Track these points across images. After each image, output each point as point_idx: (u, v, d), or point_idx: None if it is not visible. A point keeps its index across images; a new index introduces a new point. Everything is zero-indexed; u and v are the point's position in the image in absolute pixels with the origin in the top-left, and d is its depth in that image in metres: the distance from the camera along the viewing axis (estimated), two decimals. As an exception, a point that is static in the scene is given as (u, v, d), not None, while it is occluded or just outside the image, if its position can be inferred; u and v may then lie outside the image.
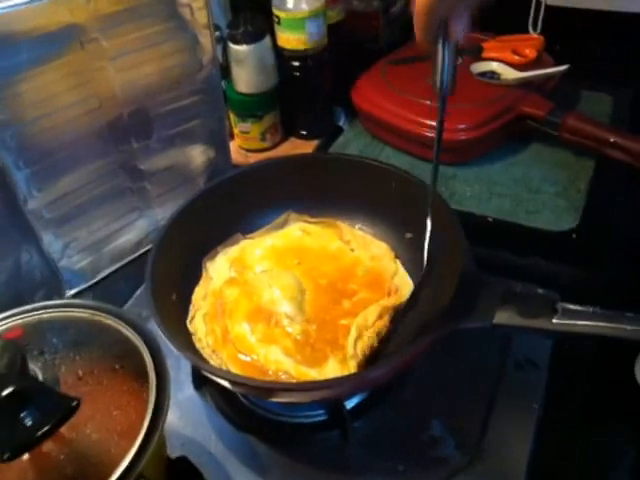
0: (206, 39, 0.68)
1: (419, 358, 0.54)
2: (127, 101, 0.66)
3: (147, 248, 0.79)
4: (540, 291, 0.55)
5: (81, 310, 0.49)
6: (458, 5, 0.43)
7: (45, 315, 0.49)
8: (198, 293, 0.63)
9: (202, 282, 0.64)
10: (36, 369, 0.43)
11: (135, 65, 0.65)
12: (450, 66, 0.47)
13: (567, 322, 0.46)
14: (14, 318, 0.49)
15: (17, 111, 0.59)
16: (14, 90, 0.58)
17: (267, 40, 0.81)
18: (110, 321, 0.48)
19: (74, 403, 0.36)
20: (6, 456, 0.36)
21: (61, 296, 0.73)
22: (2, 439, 0.37)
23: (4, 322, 0.49)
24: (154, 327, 0.52)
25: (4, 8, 0.53)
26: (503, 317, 0.48)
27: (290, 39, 0.80)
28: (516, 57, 0.86)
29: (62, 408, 0.36)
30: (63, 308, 0.50)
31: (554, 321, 0.46)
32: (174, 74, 0.68)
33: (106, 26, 0.61)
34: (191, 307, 0.62)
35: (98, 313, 0.49)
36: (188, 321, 0.60)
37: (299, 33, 0.79)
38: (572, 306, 0.47)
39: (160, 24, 0.64)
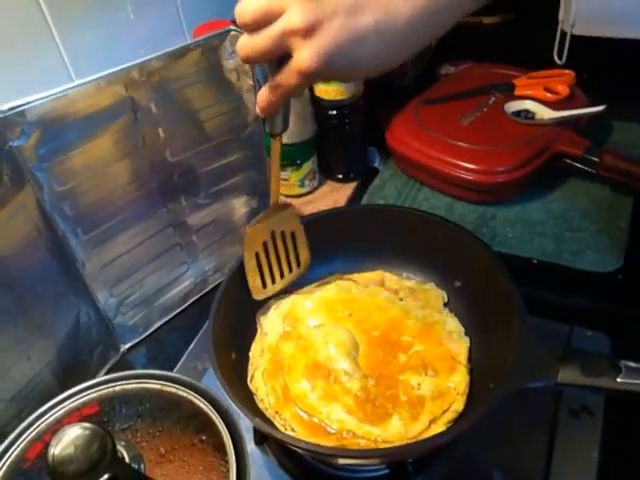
0: (250, 100, 0.69)
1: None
2: (176, 163, 0.68)
3: (194, 299, 0.81)
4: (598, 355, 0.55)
5: (151, 381, 0.51)
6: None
7: (117, 388, 0.50)
8: (255, 349, 0.65)
9: (258, 337, 0.66)
10: (120, 449, 0.44)
11: (183, 143, 0.67)
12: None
13: (632, 381, 0.47)
14: (86, 392, 0.50)
15: (73, 183, 0.61)
16: (70, 164, 0.59)
17: (305, 92, 0.82)
18: (183, 392, 0.49)
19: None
20: None
21: (117, 351, 0.75)
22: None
23: (77, 397, 0.50)
24: (212, 380, 0.54)
25: (62, 91, 0.55)
26: (566, 376, 0.49)
27: (328, 90, 0.82)
28: (549, 94, 0.87)
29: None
30: (133, 379, 0.51)
31: (619, 380, 0.47)
32: (220, 134, 0.70)
33: (158, 95, 0.63)
34: (249, 365, 0.63)
35: (168, 384, 0.50)
36: (248, 380, 0.61)
37: (336, 84, 0.80)
38: (634, 364, 0.48)
39: (208, 88, 0.66)
